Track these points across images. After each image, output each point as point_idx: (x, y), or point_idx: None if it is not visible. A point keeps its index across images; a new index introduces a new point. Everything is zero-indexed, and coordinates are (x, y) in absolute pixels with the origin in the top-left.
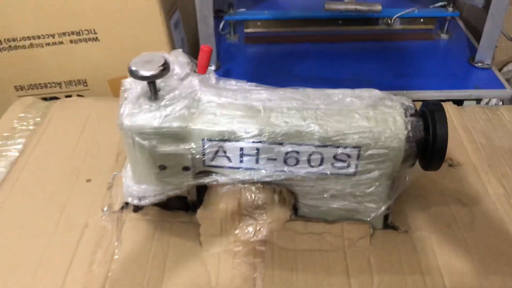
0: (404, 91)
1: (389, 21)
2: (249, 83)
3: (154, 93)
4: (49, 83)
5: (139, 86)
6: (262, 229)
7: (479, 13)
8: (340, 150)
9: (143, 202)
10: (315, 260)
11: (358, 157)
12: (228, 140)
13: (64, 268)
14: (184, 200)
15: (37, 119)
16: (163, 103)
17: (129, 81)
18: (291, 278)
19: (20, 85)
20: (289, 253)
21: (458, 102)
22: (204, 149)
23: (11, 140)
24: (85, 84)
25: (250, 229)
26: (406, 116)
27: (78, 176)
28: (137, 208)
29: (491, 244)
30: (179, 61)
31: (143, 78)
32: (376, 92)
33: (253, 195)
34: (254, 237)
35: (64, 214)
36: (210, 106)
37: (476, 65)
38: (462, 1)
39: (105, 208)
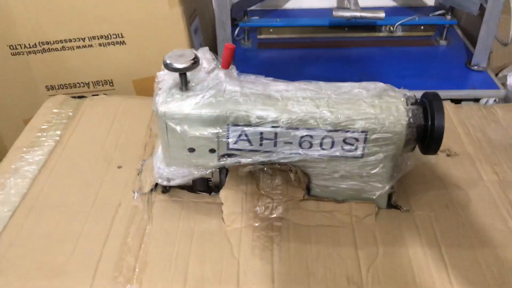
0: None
1: (392, 28)
2: (266, 78)
3: (185, 84)
4: (78, 83)
5: (172, 78)
6: (278, 207)
7: (475, 21)
8: (349, 134)
9: (172, 183)
10: (326, 234)
11: (365, 140)
12: (250, 125)
13: (102, 239)
14: (207, 183)
15: (70, 113)
16: (192, 92)
17: (162, 74)
18: (305, 249)
19: (51, 85)
20: (302, 228)
21: (457, 102)
22: (228, 133)
23: (48, 132)
24: (111, 84)
25: (268, 207)
26: (407, 105)
27: (110, 163)
28: (165, 190)
29: (485, 221)
30: (206, 57)
31: (176, 70)
32: (380, 84)
33: (270, 177)
34: (271, 214)
35: (99, 196)
36: (234, 95)
37: (473, 68)
38: (459, 10)
39: (136, 190)
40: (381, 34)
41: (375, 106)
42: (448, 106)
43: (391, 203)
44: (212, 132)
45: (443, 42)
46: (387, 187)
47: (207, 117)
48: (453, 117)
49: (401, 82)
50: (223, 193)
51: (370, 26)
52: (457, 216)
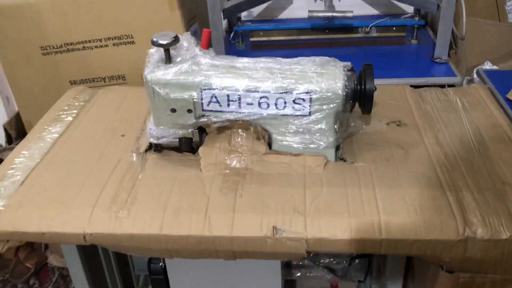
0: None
1: (367, 30)
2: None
3: (168, 58)
4: (95, 78)
5: (159, 55)
6: (245, 159)
7: None
8: (297, 95)
9: (160, 141)
10: (282, 179)
11: (310, 100)
12: (218, 89)
13: (102, 183)
14: (191, 144)
15: (87, 98)
16: (174, 64)
17: (152, 51)
18: (263, 189)
19: (74, 80)
20: (263, 175)
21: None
22: (202, 96)
23: (67, 112)
24: (123, 78)
25: (236, 159)
26: (344, 71)
27: (115, 132)
28: (157, 150)
29: (417, 171)
30: (187, 39)
31: (160, 45)
32: (326, 58)
33: (239, 136)
34: (238, 165)
35: (103, 155)
36: (206, 66)
37: (436, 60)
38: (425, 11)
39: (134, 151)
40: (358, 35)
41: (318, 73)
42: (406, 89)
43: (338, 157)
44: (188, 94)
45: (414, 41)
46: (331, 139)
47: (184, 83)
48: (408, 97)
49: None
50: (201, 149)
51: (348, 28)
52: (395, 167)
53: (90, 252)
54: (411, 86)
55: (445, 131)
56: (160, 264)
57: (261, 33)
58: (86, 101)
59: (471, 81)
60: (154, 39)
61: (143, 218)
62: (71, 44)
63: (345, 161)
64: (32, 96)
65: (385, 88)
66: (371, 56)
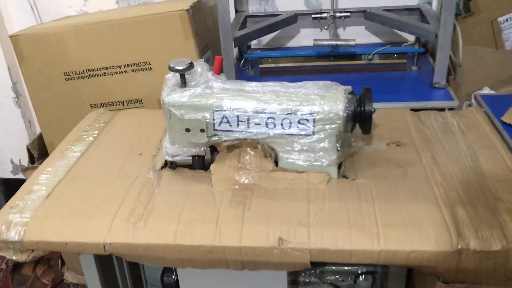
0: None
1: (369, 57)
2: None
3: (183, 82)
4: (115, 101)
5: (175, 79)
6: (253, 175)
7: None
8: (301, 116)
9: (175, 158)
10: (287, 194)
11: (314, 121)
12: (229, 110)
13: (121, 198)
14: (202, 161)
15: (107, 120)
16: (188, 88)
17: (169, 76)
18: (269, 203)
19: (94, 103)
20: (270, 191)
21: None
22: (213, 117)
23: (89, 132)
24: (140, 102)
25: (245, 176)
26: (344, 94)
27: (133, 151)
28: (172, 167)
29: (414, 188)
30: (201, 65)
31: (176, 70)
32: (328, 82)
33: (248, 154)
34: (247, 181)
35: (122, 172)
36: (218, 89)
37: (435, 85)
38: (424, 40)
39: (150, 168)
40: (361, 62)
41: (320, 95)
42: (406, 112)
43: (341, 174)
44: (201, 115)
45: (414, 68)
46: (333, 158)
47: (198, 105)
48: (408, 120)
49: (374, 97)
50: (213, 166)
51: (351, 55)
52: (393, 184)
53: (106, 267)
54: (411, 109)
55: (442, 151)
56: (173, 277)
57: (270, 60)
58: (106, 123)
59: (470, 105)
60: (171, 65)
61: (158, 229)
62: (92, 70)
63: (346, 178)
64: (55, 118)
65: (386, 111)
66: (373, 82)
